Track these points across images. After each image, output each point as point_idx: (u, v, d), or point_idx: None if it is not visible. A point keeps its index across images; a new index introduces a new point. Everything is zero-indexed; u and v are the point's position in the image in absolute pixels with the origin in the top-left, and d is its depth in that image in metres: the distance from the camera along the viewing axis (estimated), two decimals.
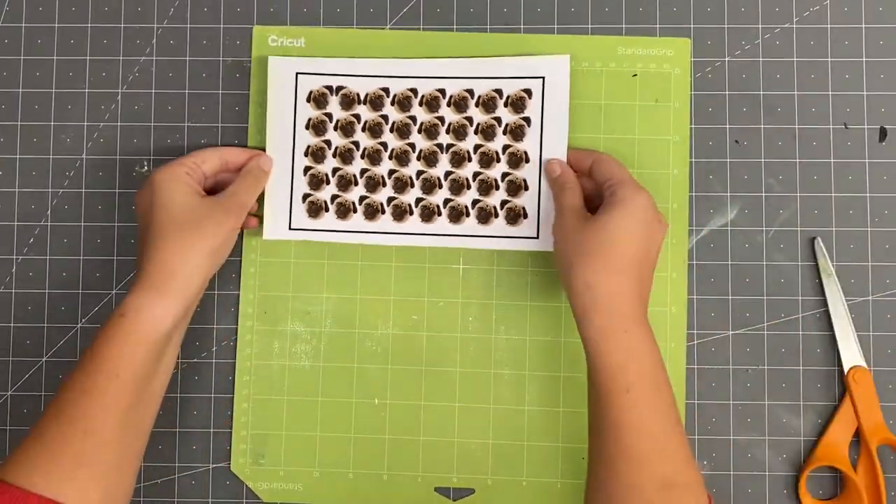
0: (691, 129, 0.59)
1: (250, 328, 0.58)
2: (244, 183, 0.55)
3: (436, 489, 0.57)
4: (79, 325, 0.59)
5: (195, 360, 0.58)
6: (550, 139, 0.57)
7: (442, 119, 0.57)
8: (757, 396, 0.57)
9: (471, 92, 0.57)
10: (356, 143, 0.58)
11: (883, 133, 0.59)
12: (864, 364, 0.57)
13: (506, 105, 0.57)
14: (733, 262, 0.58)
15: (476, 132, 0.57)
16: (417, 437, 0.58)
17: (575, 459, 0.57)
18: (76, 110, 0.60)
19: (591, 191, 0.55)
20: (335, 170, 0.58)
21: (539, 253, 0.58)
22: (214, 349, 0.58)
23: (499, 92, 0.57)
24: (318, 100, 0.58)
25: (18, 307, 0.59)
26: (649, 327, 0.50)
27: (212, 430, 0.58)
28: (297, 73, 0.58)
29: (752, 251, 0.58)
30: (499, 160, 0.57)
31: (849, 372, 0.57)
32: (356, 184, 0.57)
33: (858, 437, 0.56)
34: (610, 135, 0.58)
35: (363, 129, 0.58)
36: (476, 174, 0.57)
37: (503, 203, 0.57)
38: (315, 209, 0.57)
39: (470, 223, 0.57)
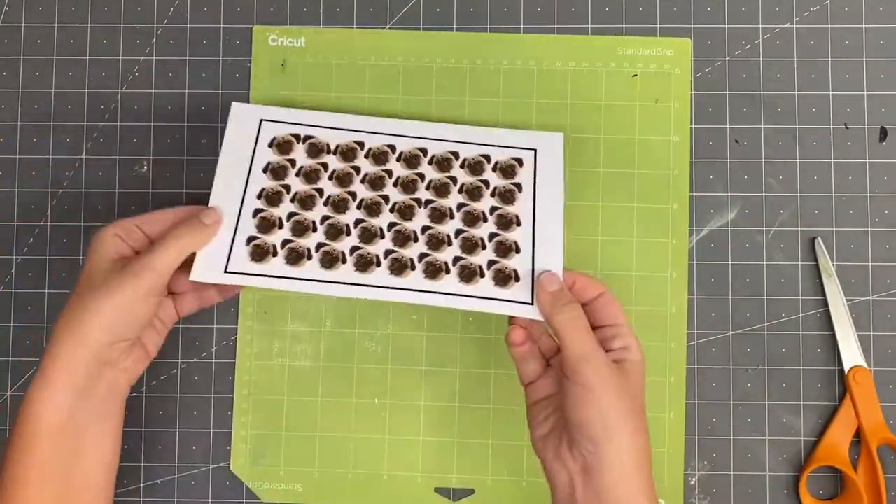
0: (691, 129, 0.59)
1: (250, 328, 0.58)
2: (162, 245, 0.47)
3: (436, 489, 0.57)
4: None
5: (195, 360, 0.58)
6: (545, 206, 0.51)
7: (422, 175, 0.52)
8: (757, 396, 0.57)
9: (455, 154, 0.53)
10: (319, 190, 0.52)
11: (883, 133, 0.59)
12: (864, 364, 0.57)
13: (494, 170, 0.53)
14: (733, 262, 0.58)
15: (460, 191, 0.52)
16: (417, 437, 0.58)
17: None
18: (76, 110, 0.60)
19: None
20: (291, 214, 0.51)
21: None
22: (214, 349, 0.58)
23: (486, 157, 0.53)
24: (281, 145, 0.53)
25: (18, 307, 0.59)
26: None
27: (212, 430, 0.58)
28: (261, 120, 0.53)
29: (752, 251, 0.58)
30: (485, 220, 0.51)
31: (849, 372, 0.57)
32: (314, 230, 0.51)
33: (859, 437, 0.56)
34: (610, 135, 0.58)
35: (330, 178, 0.52)
36: (459, 231, 0.51)
37: (490, 263, 0.50)
38: (261, 253, 0.50)
39: (450, 281, 0.49)
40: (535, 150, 0.53)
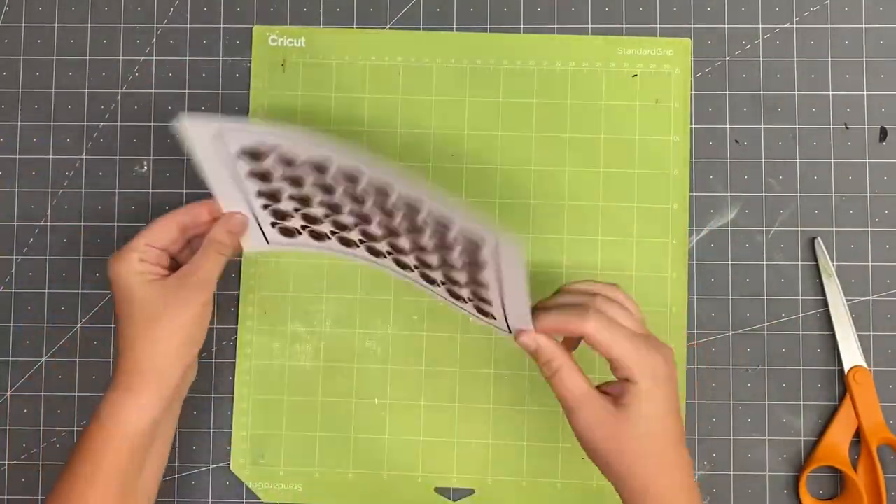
0: (691, 129, 0.59)
1: (250, 328, 0.58)
2: (204, 256, 0.49)
3: (436, 489, 0.57)
4: (79, 325, 0.59)
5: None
6: (511, 299, 0.45)
7: (395, 232, 0.48)
8: (757, 396, 0.57)
9: (418, 206, 0.44)
10: (306, 199, 0.49)
11: (883, 133, 0.59)
12: (864, 364, 0.57)
13: (455, 245, 0.44)
14: (733, 262, 0.58)
15: (436, 268, 0.48)
16: (417, 437, 0.58)
17: (575, 459, 0.57)
18: (76, 110, 0.60)
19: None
20: (297, 208, 0.51)
21: (539, 252, 0.58)
22: (214, 349, 0.58)
23: (446, 226, 0.44)
24: (252, 154, 0.47)
25: (18, 307, 0.59)
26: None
27: (212, 430, 0.58)
28: (221, 128, 0.46)
29: (752, 251, 0.58)
30: (463, 296, 0.49)
31: (849, 372, 0.57)
32: (322, 222, 0.51)
33: (858, 437, 0.56)
34: (610, 135, 0.58)
35: (317, 185, 0.48)
36: (443, 282, 0.49)
37: (470, 297, 0.48)
38: (288, 232, 0.53)
39: (442, 291, 0.51)
40: (497, 244, 0.42)
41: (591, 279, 0.50)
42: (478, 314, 0.50)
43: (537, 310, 0.46)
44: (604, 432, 0.44)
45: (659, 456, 0.44)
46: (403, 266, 0.51)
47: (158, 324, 0.47)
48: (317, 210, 0.50)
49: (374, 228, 0.49)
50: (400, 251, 0.49)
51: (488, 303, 0.47)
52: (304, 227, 0.52)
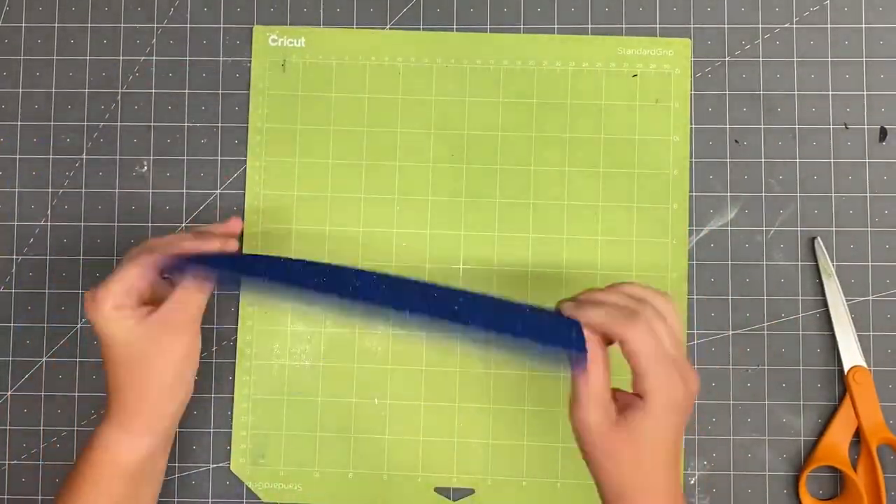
0: (691, 129, 0.59)
1: (250, 328, 0.58)
2: (186, 293, 0.48)
3: (436, 489, 0.57)
4: (79, 325, 0.59)
5: None
6: None
7: None
8: (757, 396, 0.57)
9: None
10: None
11: (883, 133, 0.59)
12: (864, 364, 0.57)
13: None
14: (733, 262, 0.58)
15: None
16: (417, 437, 0.58)
17: (575, 459, 0.57)
18: (76, 110, 0.60)
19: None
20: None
21: (538, 253, 0.58)
22: (214, 349, 0.58)
23: None
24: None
25: (18, 307, 0.59)
26: None
27: (212, 430, 0.58)
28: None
29: (752, 251, 0.58)
30: None
31: (849, 372, 0.57)
32: None
33: (858, 437, 0.56)
34: (610, 135, 0.58)
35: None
36: None
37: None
38: None
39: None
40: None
41: (644, 283, 0.48)
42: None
43: (583, 302, 0.46)
44: (601, 435, 0.44)
45: (646, 473, 0.44)
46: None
47: (146, 365, 0.47)
48: None
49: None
50: None
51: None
52: None
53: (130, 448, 0.48)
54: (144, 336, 0.47)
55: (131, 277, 0.47)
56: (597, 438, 0.44)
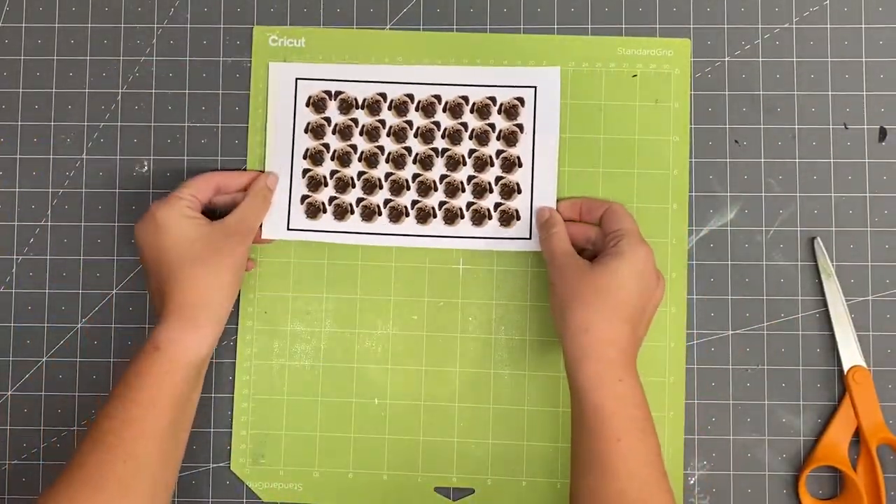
0: (691, 129, 0.59)
1: (250, 328, 0.58)
2: (252, 205, 0.56)
3: (436, 489, 0.57)
4: (79, 325, 0.59)
5: None
6: (542, 144, 0.58)
7: (438, 124, 0.58)
8: (757, 396, 0.58)
9: (465, 98, 0.58)
10: (353, 147, 0.58)
11: (883, 133, 0.59)
12: (863, 364, 0.57)
13: (499, 112, 0.58)
14: (733, 262, 0.58)
15: (471, 137, 0.58)
16: (417, 437, 0.58)
17: None
18: (76, 110, 0.60)
19: (598, 239, 0.55)
20: (333, 172, 0.58)
21: (538, 254, 0.58)
22: (215, 349, 0.58)
23: (492, 99, 0.58)
24: (316, 104, 0.59)
25: (18, 307, 0.59)
26: (638, 376, 0.50)
27: (212, 429, 0.58)
28: (296, 79, 0.59)
29: (752, 251, 0.58)
30: (492, 164, 0.58)
31: (849, 372, 0.57)
32: (353, 186, 0.58)
33: (858, 437, 0.56)
34: (610, 135, 0.58)
35: (361, 133, 0.59)
36: (470, 178, 0.58)
37: (496, 205, 0.58)
38: (313, 210, 0.58)
39: (464, 225, 0.58)
40: (535, 88, 0.58)
41: None
42: (498, 223, 0.58)
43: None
44: (572, 278, 0.51)
45: (610, 309, 0.50)
46: (427, 189, 0.58)
47: (212, 261, 0.51)
48: (352, 170, 0.58)
49: (418, 145, 0.58)
50: (428, 164, 0.58)
51: (517, 191, 0.58)
52: (331, 200, 0.58)
53: (196, 341, 0.50)
54: (214, 236, 0.53)
55: (199, 186, 0.55)
56: (570, 278, 0.51)
